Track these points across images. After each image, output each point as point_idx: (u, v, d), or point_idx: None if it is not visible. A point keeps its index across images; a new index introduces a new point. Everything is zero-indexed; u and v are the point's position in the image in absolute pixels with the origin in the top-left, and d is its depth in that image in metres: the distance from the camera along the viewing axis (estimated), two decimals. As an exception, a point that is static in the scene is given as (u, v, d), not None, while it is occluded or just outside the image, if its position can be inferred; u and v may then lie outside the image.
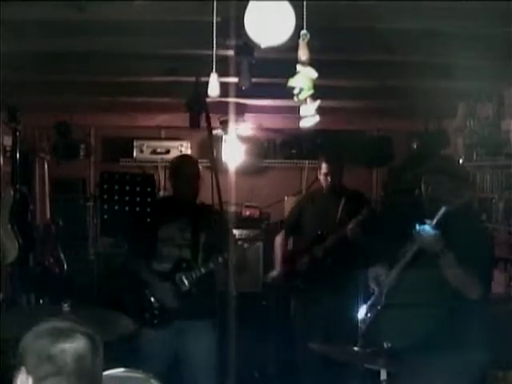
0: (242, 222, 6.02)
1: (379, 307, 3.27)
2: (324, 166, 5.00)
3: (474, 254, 2.99)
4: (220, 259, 3.82)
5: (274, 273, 5.20)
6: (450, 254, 2.97)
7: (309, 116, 2.30)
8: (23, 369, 1.67)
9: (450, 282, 3.00)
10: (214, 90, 2.64)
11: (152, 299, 3.88)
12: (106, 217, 3.97)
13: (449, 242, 2.99)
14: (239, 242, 4.12)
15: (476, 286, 3.01)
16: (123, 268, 4.17)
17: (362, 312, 3.39)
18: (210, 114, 3.78)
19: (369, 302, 3.38)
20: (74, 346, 1.68)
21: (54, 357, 1.65)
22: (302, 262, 4.99)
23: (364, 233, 4.75)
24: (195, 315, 3.89)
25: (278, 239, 5.26)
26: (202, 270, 3.86)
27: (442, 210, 2.99)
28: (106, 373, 2.81)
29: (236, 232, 5.70)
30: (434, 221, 3.00)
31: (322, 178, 5.05)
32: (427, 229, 3.00)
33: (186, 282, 3.87)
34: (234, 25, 2.77)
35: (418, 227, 3.01)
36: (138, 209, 3.87)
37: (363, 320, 3.36)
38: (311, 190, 5.47)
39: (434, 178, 3.25)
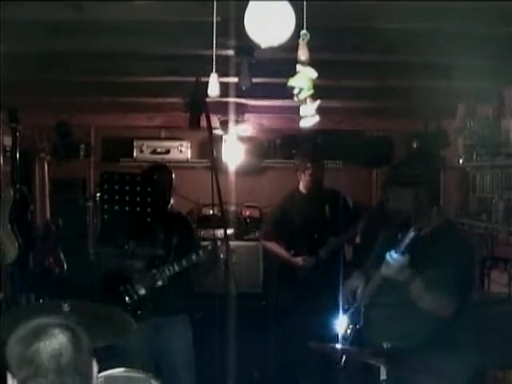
0: (242, 222, 6.03)
1: (358, 326, 3.15)
2: (310, 165, 5.05)
3: (447, 275, 2.93)
4: (194, 257, 3.91)
5: (300, 260, 5.08)
6: (419, 281, 2.89)
7: (309, 116, 2.29)
8: (9, 376, 1.68)
9: (418, 304, 2.94)
10: (213, 90, 2.64)
11: (126, 296, 3.94)
12: (106, 217, 3.97)
13: (422, 263, 2.91)
14: (205, 243, 4.20)
15: (443, 310, 2.95)
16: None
17: (342, 326, 3.23)
18: (210, 114, 3.78)
19: (347, 318, 3.23)
20: (49, 343, 1.66)
21: (30, 358, 1.64)
22: (307, 263, 5.00)
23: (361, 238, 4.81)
24: (171, 312, 4.00)
25: (271, 244, 5.26)
26: (176, 267, 3.93)
27: (410, 235, 2.84)
28: (105, 373, 2.83)
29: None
30: (402, 245, 2.85)
31: (307, 177, 5.09)
32: (394, 256, 2.86)
33: (160, 278, 3.94)
34: (233, 25, 2.77)
35: (386, 256, 2.88)
36: (138, 209, 3.88)
37: (344, 337, 3.19)
38: (286, 194, 5.44)
39: (394, 190, 3.16)
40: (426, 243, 2.99)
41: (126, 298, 3.96)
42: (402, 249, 2.86)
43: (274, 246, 5.25)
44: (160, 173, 4.25)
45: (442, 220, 3.19)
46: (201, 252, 3.95)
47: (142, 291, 3.97)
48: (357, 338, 3.19)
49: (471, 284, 3.36)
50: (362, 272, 3.32)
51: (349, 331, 3.19)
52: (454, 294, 2.95)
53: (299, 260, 5.05)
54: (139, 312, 3.92)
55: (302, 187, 5.19)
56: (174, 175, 4.29)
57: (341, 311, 3.29)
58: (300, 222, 5.10)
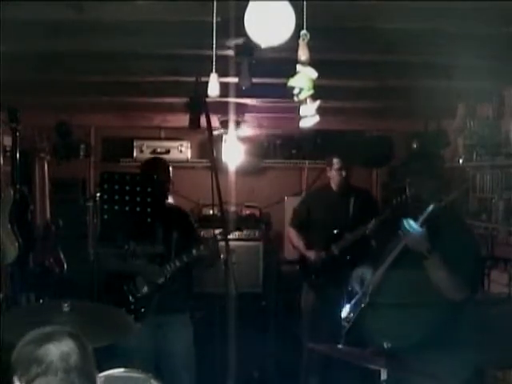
0: (242, 222, 6.03)
1: (363, 305, 3.26)
2: (336, 162, 5.05)
3: (459, 256, 2.98)
4: (194, 251, 3.91)
5: (313, 254, 5.08)
6: (436, 256, 2.96)
7: (309, 116, 2.29)
8: (15, 378, 1.70)
9: (434, 284, 2.99)
10: (213, 89, 2.64)
11: (129, 295, 3.95)
12: (106, 217, 3.97)
13: (434, 244, 2.98)
14: (209, 237, 4.20)
15: (459, 288, 3.00)
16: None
17: (345, 311, 3.38)
18: (210, 114, 3.78)
19: (352, 302, 3.36)
20: (58, 345, 1.70)
21: (40, 357, 1.68)
22: (318, 258, 5.00)
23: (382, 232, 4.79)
24: (173, 310, 4.01)
25: (292, 232, 5.28)
26: (177, 263, 3.93)
27: (430, 208, 2.99)
28: (105, 373, 2.83)
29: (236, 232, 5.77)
30: (421, 219, 2.99)
31: (334, 173, 5.10)
32: (413, 225, 2.99)
33: (162, 275, 3.95)
34: (233, 25, 2.77)
35: (404, 223, 3.01)
36: (137, 209, 3.88)
37: (346, 318, 3.34)
38: (317, 186, 5.49)
39: (417, 179, 3.25)
40: (441, 224, 3.05)
41: (130, 297, 3.96)
42: (419, 222, 2.98)
43: (293, 235, 5.27)
44: (156, 166, 4.24)
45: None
46: (202, 246, 3.94)
47: (145, 289, 3.97)
48: (357, 338, 3.20)
49: (481, 272, 3.42)
50: (370, 264, 3.39)
51: (353, 314, 3.29)
52: (468, 276, 3.00)
53: (312, 254, 5.05)
54: (142, 310, 3.92)
55: (332, 183, 5.19)
56: (171, 167, 4.28)
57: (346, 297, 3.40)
58: (323, 216, 5.10)
